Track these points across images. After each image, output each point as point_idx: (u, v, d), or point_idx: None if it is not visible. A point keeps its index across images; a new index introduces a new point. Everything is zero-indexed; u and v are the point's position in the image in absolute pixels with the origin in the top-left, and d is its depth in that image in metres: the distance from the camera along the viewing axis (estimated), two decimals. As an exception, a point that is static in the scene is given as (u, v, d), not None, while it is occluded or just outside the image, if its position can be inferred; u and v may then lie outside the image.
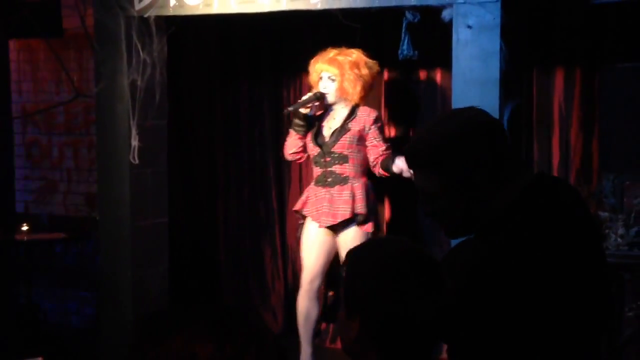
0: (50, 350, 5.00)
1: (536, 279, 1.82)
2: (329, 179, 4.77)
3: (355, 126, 4.75)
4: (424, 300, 1.64)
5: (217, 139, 6.05)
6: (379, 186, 5.02)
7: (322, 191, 4.79)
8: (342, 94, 4.75)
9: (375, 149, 4.76)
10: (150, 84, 4.88)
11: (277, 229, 5.93)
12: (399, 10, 4.28)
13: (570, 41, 4.94)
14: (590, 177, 4.94)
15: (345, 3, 4.35)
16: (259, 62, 5.90)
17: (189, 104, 6.05)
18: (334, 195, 4.74)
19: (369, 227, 4.72)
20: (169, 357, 1.18)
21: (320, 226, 4.77)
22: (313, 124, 4.85)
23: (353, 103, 4.79)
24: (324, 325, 5.53)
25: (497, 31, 4.07)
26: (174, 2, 4.68)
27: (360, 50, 4.78)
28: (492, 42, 4.08)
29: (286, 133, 5.28)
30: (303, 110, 4.76)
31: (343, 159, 4.75)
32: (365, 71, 4.73)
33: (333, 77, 4.73)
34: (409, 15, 4.22)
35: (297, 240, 5.86)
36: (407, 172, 4.54)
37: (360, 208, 4.69)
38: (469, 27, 4.10)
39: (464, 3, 4.09)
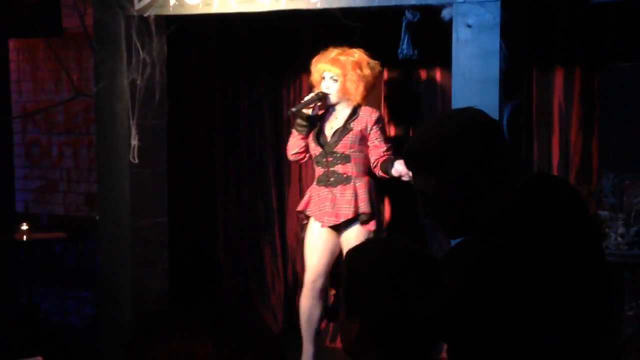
0: (50, 349, 5.00)
1: (535, 278, 1.82)
2: (331, 179, 4.77)
3: (357, 126, 4.75)
4: (423, 299, 1.64)
5: (217, 138, 6.05)
6: (379, 185, 5.02)
7: (324, 191, 4.79)
8: (345, 94, 4.75)
9: (377, 150, 4.76)
10: (149, 84, 4.88)
11: (276, 228, 5.93)
12: (398, 10, 4.28)
13: (570, 40, 4.94)
14: (590, 176, 4.94)
15: (345, 2, 4.34)
16: (258, 61, 5.90)
17: (189, 104, 6.05)
18: (337, 195, 4.74)
19: (371, 225, 4.73)
20: (167, 357, 1.18)
21: (323, 226, 4.77)
22: (315, 124, 4.84)
23: (355, 103, 4.78)
24: (323, 324, 5.53)
25: (497, 30, 4.07)
26: (174, 1, 4.68)
27: (362, 49, 4.78)
28: (492, 42, 4.08)
29: (286, 133, 5.29)
30: (306, 111, 4.76)
31: (345, 158, 4.75)
32: (367, 71, 4.73)
33: (335, 78, 4.72)
34: (408, 14, 4.22)
35: (298, 240, 5.88)
36: (406, 177, 4.55)
37: (364, 207, 4.69)
38: (469, 26, 4.10)
39: (464, 2, 4.09)
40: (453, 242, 2.40)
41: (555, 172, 4.95)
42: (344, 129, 4.76)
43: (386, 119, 5.45)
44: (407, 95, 5.50)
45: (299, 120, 4.80)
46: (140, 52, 4.79)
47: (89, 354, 5.30)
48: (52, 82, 6.32)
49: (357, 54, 4.74)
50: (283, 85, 5.86)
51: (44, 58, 6.30)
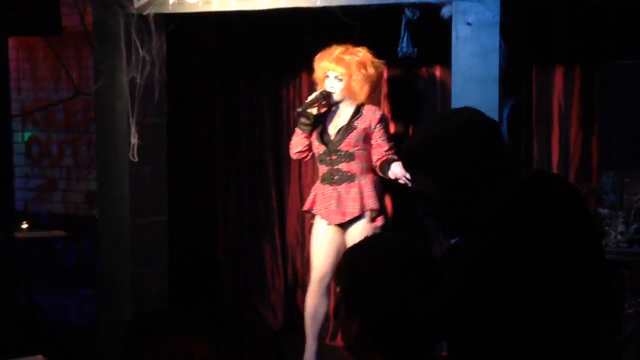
0: (50, 348, 4.99)
1: (534, 276, 1.82)
2: (336, 177, 4.77)
3: (361, 124, 4.75)
4: (423, 298, 1.64)
5: (217, 136, 6.05)
6: (383, 182, 5.01)
7: (329, 189, 4.79)
8: (349, 94, 4.74)
9: (378, 149, 4.76)
10: (149, 82, 4.88)
11: (276, 226, 5.93)
12: (398, 8, 4.28)
13: (570, 39, 4.94)
14: (590, 174, 4.94)
15: (345, 0, 4.34)
16: (258, 59, 5.89)
17: (189, 102, 6.05)
18: (342, 193, 4.74)
19: (378, 221, 4.74)
20: (166, 357, 1.18)
21: (329, 224, 4.77)
22: (318, 122, 4.84)
23: (358, 102, 4.78)
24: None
25: (497, 28, 4.07)
26: (173, -1, 4.68)
27: (365, 48, 4.76)
28: (492, 40, 4.07)
29: (286, 131, 5.28)
30: (311, 110, 4.76)
31: (349, 156, 4.75)
32: (372, 71, 4.72)
33: (340, 77, 4.71)
34: (408, 12, 4.22)
35: (298, 239, 5.88)
36: (402, 179, 4.56)
37: (372, 204, 4.70)
38: (469, 24, 4.09)
39: (464, 0, 4.09)
40: (452, 241, 2.40)
41: (555, 171, 4.95)
42: (348, 128, 4.76)
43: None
44: (406, 94, 5.50)
45: (303, 119, 4.79)
46: (140, 51, 4.79)
47: (89, 352, 5.30)
48: (51, 81, 6.32)
49: (362, 53, 4.73)
50: (283, 84, 5.86)
51: (44, 57, 6.30)
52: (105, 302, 5.12)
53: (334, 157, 4.78)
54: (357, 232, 4.66)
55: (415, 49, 4.31)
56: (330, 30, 5.00)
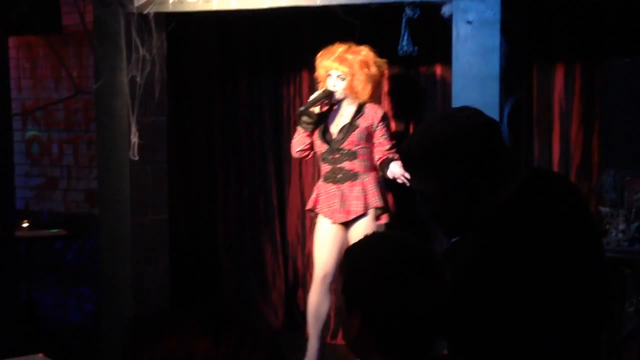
0: (50, 347, 4.99)
1: (534, 274, 1.81)
2: (339, 176, 4.77)
3: (363, 123, 4.75)
4: (423, 295, 1.64)
5: (217, 134, 6.05)
6: (385, 180, 5.01)
7: (332, 188, 4.79)
8: (351, 93, 4.74)
9: (380, 148, 4.76)
10: (149, 81, 4.88)
11: (277, 225, 5.93)
12: (398, 6, 4.27)
13: (571, 36, 4.93)
14: (591, 172, 4.94)
15: (345, -1, 4.34)
16: (258, 58, 5.89)
17: (189, 101, 6.05)
18: (345, 191, 4.74)
19: (383, 219, 4.74)
20: (165, 357, 1.18)
21: (333, 223, 4.77)
22: (320, 121, 4.84)
23: (360, 101, 4.78)
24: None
25: (497, 27, 4.06)
26: (174, -2, 4.67)
27: (368, 46, 4.75)
28: (492, 38, 4.07)
29: (286, 129, 5.27)
30: (314, 109, 4.75)
31: (352, 155, 4.75)
32: (374, 70, 4.71)
33: (343, 76, 4.70)
34: (408, 11, 4.22)
35: (298, 237, 5.88)
36: (400, 179, 4.56)
37: (377, 201, 4.70)
38: (469, 22, 4.09)
39: (464, -2, 4.09)
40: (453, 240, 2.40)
41: (555, 169, 4.95)
42: (351, 126, 4.75)
43: (386, 116, 5.45)
44: (407, 92, 5.50)
45: (305, 118, 4.79)
46: (140, 49, 4.79)
47: (90, 351, 5.30)
48: (52, 80, 6.32)
49: (365, 52, 4.71)
50: (283, 82, 5.86)
51: (44, 56, 6.30)
52: (105, 301, 5.12)
53: (336, 156, 4.78)
54: (360, 230, 4.65)
55: (416, 48, 4.30)
56: (331, 28, 4.99)
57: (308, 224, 5.75)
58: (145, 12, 4.73)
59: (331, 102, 4.82)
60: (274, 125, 5.88)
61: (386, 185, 4.92)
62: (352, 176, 4.75)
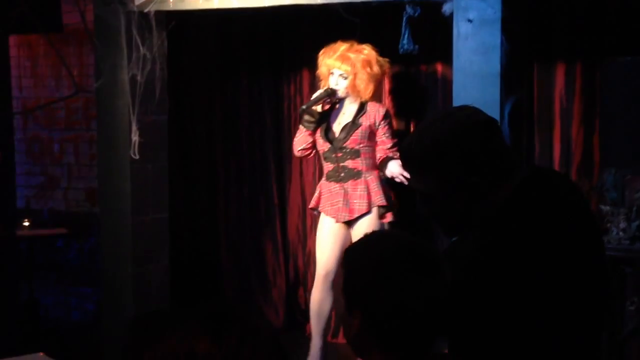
0: (51, 345, 5.00)
1: (534, 273, 1.81)
2: (342, 174, 4.77)
3: (365, 121, 4.74)
4: (422, 294, 1.64)
5: (217, 133, 6.05)
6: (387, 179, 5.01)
7: (335, 186, 4.78)
8: (354, 92, 4.73)
9: (382, 146, 4.76)
10: (150, 79, 4.88)
11: (278, 224, 5.93)
12: (399, 4, 4.27)
13: (571, 35, 4.93)
14: (592, 171, 4.94)
15: (346, -3, 4.34)
16: (259, 57, 5.89)
17: (189, 99, 6.04)
18: (348, 190, 4.74)
19: (387, 217, 4.74)
20: (166, 356, 1.18)
21: (337, 221, 4.77)
22: (323, 119, 4.83)
23: (363, 99, 4.77)
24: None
25: (498, 25, 4.06)
26: (174, -3, 4.67)
27: (370, 45, 4.75)
28: (493, 36, 4.07)
29: (287, 128, 5.26)
30: (316, 108, 4.75)
31: (355, 153, 4.75)
32: (376, 69, 4.71)
33: (345, 75, 4.69)
34: (409, 9, 4.21)
35: (299, 236, 5.88)
36: (398, 178, 4.56)
37: (381, 200, 4.70)
38: (470, 21, 4.09)
39: (465, -3, 4.08)
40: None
41: (556, 167, 4.95)
42: (353, 125, 4.75)
43: (387, 114, 5.44)
44: (407, 91, 5.49)
45: (307, 117, 4.78)
46: (141, 48, 4.78)
47: (90, 349, 5.31)
48: (52, 79, 6.32)
49: (367, 51, 4.71)
50: (283, 81, 5.86)
51: (45, 54, 6.30)
52: (106, 300, 5.12)
53: (339, 155, 4.77)
54: (363, 228, 4.65)
55: (417, 46, 4.30)
56: (331, 27, 4.99)
57: (309, 223, 5.75)
58: (146, 10, 4.73)
59: (333, 101, 4.82)
60: (275, 123, 5.88)
61: (388, 184, 4.92)
62: (355, 174, 4.75)
